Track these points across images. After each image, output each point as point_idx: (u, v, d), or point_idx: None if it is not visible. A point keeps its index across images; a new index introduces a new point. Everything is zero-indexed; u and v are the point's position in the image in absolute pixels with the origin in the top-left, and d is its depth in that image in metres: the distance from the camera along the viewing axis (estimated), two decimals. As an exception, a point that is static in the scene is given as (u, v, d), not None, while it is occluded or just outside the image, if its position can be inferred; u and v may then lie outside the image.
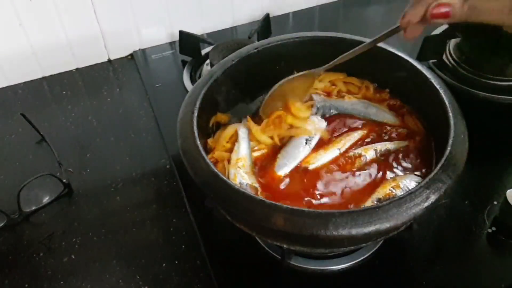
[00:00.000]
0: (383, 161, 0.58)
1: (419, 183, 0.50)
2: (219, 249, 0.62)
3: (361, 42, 0.64)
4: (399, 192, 0.52)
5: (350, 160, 0.57)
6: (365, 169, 0.57)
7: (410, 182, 0.53)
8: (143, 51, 0.98)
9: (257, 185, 0.55)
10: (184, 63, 0.93)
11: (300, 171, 0.57)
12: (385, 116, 0.63)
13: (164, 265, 0.62)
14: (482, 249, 0.62)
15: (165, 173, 0.73)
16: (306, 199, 0.53)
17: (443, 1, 0.44)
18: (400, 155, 0.58)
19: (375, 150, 0.58)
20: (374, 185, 0.55)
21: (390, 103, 0.65)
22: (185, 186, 0.69)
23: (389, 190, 0.52)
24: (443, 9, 0.44)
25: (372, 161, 0.57)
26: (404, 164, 0.57)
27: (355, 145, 0.60)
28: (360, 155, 0.57)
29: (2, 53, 0.87)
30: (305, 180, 0.56)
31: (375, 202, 0.51)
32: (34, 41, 0.88)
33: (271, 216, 0.44)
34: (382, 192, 0.52)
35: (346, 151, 0.59)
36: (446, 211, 0.66)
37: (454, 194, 0.67)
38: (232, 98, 0.66)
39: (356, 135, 0.61)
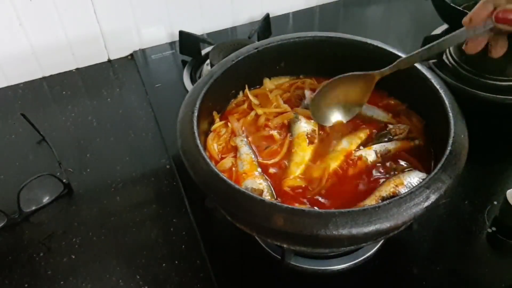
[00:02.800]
0: (384, 162, 0.57)
1: (423, 179, 0.50)
2: (219, 249, 0.62)
3: (361, 42, 0.64)
4: (402, 190, 0.52)
5: (352, 163, 0.57)
6: (368, 171, 0.56)
7: (413, 179, 0.53)
8: (143, 51, 0.98)
9: (266, 186, 0.55)
10: (184, 63, 0.93)
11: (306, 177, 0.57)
12: (375, 111, 0.63)
13: (164, 265, 0.62)
14: (482, 249, 0.62)
15: (165, 173, 0.73)
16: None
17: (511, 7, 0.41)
18: (400, 155, 0.58)
19: (375, 151, 0.58)
20: (377, 184, 0.55)
21: (385, 103, 0.65)
22: (185, 186, 0.69)
23: (393, 187, 0.52)
24: (510, 16, 0.41)
25: (374, 162, 0.57)
26: (405, 163, 0.57)
27: (358, 148, 0.60)
28: (361, 157, 0.57)
29: (2, 53, 0.87)
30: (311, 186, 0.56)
31: (379, 200, 0.51)
32: (34, 41, 0.88)
33: (271, 216, 0.44)
34: (385, 190, 0.52)
35: (349, 154, 0.58)
36: (446, 211, 0.66)
37: (454, 194, 0.67)
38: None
39: (357, 139, 0.60)
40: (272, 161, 0.59)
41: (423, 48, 0.54)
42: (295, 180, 0.55)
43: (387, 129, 0.61)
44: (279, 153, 0.59)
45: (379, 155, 0.57)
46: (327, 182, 0.55)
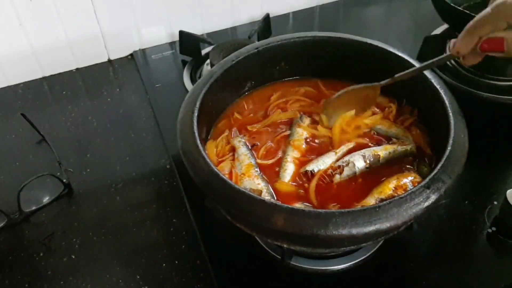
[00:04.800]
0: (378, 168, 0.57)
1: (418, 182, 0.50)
2: (219, 249, 0.62)
3: (361, 42, 0.64)
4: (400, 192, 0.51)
5: (338, 169, 0.56)
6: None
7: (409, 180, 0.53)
8: (143, 51, 0.98)
9: (265, 187, 0.55)
10: (184, 63, 0.93)
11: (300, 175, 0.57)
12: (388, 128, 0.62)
13: (164, 265, 0.61)
14: (482, 249, 0.62)
15: (165, 173, 0.73)
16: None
17: (495, 35, 0.42)
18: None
19: (363, 156, 0.56)
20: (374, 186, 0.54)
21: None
22: (185, 186, 0.69)
23: (392, 191, 0.52)
24: (495, 45, 0.42)
25: (362, 169, 0.56)
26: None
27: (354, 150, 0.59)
28: (348, 163, 0.55)
29: (2, 53, 0.87)
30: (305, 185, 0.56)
31: (378, 202, 0.51)
32: (34, 41, 0.88)
33: (271, 216, 0.44)
34: (384, 192, 0.52)
35: (341, 157, 0.58)
36: (446, 211, 0.66)
37: (454, 194, 0.67)
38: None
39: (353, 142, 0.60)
40: (270, 161, 0.59)
41: (417, 67, 0.57)
42: (287, 185, 0.55)
43: (390, 142, 0.59)
44: (275, 153, 0.60)
45: (367, 160, 0.56)
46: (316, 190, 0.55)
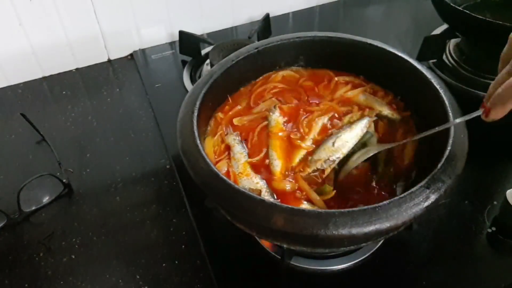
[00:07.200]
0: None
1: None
2: (219, 249, 0.62)
3: (361, 42, 0.64)
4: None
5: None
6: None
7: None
8: (143, 51, 0.98)
9: (264, 186, 0.55)
10: (184, 63, 0.93)
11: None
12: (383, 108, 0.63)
13: (164, 265, 0.62)
14: (482, 249, 0.62)
15: (165, 173, 0.73)
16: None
17: None
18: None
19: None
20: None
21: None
22: (185, 186, 0.69)
23: None
24: None
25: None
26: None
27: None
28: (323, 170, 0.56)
29: (2, 53, 0.87)
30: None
31: None
32: (34, 41, 0.88)
33: (271, 216, 0.44)
34: None
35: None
36: (446, 211, 0.66)
37: (454, 194, 0.67)
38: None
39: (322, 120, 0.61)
40: (257, 158, 0.58)
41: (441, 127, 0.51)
42: (281, 183, 0.55)
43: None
44: (259, 148, 0.60)
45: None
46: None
